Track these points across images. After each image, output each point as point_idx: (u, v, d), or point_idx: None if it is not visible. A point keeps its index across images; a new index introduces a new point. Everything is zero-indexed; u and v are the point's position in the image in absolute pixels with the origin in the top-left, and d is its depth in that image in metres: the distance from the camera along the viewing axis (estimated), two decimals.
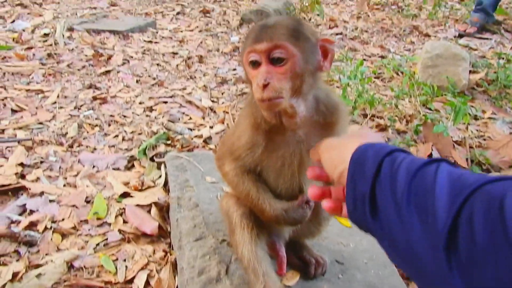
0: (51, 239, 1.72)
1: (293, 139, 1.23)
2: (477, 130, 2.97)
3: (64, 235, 1.76)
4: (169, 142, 2.46)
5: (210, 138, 2.56)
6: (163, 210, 1.92)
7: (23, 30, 3.75)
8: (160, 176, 2.14)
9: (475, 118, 3.15)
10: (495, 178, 0.68)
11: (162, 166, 2.19)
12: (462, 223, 0.66)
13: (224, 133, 2.62)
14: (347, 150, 0.92)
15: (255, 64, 1.10)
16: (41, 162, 2.19)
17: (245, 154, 1.27)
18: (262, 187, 1.32)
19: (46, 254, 1.65)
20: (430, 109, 3.14)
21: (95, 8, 4.66)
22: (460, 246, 0.66)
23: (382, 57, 4.31)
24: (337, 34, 4.87)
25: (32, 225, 1.77)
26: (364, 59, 4.13)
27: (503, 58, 4.10)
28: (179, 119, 2.76)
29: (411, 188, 0.76)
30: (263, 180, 1.33)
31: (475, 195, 0.67)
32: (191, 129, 2.64)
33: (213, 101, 3.02)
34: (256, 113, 1.20)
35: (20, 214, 1.83)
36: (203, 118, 2.81)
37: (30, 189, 1.96)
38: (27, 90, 2.86)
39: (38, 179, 2.06)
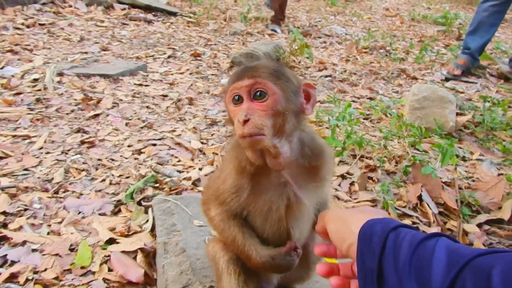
0: None
1: (279, 182, 1.21)
2: (465, 171, 2.99)
3: (46, 286, 1.69)
4: (157, 185, 2.44)
5: (199, 180, 2.54)
6: (150, 256, 1.87)
7: (12, 76, 3.77)
8: (147, 221, 2.11)
9: (463, 159, 3.17)
10: (486, 251, 0.76)
11: (150, 210, 2.16)
12: None
13: (211, 175, 2.60)
14: (354, 224, 0.97)
15: (238, 101, 1.12)
16: (25, 209, 2.14)
17: (230, 198, 1.25)
18: (249, 233, 1.29)
19: None
20: (418, 150, 3.16)
21: (86, 53, 4.71)
22: None
23: (371, 99, 4.37)
24: (326, 76, 4.96)
25: (12, 277, 1.71)
26: (353, 101, 4.19)
27: (488, 101, 4.18)
28: (168, 161, 2.74)
29: (412, 262, 0.81)
30: (250, 225, 1.31)
31: (468, 267, 0.74)
32: (180, 171, 2.62)
33: (202, 143, 3.01)
34: (240, 155, 1.20)
35: (1, 266, 1.77)
36: (192, 160, 2.80)
37: (12, 238, 1.91)
38: (14, 136, 2.83)
39: (21, 227, 2.01)
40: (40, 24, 5.53)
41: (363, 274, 0.90)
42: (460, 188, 2.69)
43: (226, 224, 1.30)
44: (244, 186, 1.22)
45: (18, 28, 5.24)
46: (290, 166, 1.19)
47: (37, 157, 2.62)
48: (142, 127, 3.18)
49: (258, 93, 1.11)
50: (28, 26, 5.37)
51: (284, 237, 1.29)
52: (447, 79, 5.20)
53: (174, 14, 6.81)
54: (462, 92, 4.76)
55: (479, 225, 2.42)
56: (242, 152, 1.18)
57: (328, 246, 1.12)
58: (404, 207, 2.50)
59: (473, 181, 2.87)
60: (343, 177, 2.75)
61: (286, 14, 7.66)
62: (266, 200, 1.23)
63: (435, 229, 2.31)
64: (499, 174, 2.98)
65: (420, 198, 2.54)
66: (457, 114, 3.77)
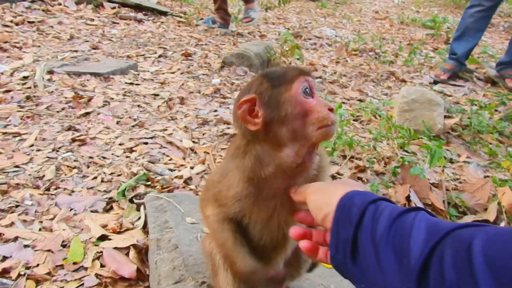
0: (25, 286, 1.65)
1: (282, 189, 1.21)
2: (453, 173, 3.04)
3: (38, 282, 1.69)
4: (149, 183, 2.44)
5: (190, 178, 2.56)
6: (142, 252, 1.88)
7: (2, 74, 3.73)
8: (139, 218, 2.11)
9: (451, 161, 3.23)
10: (466, 224, 0.77)
11: (142, 208, 2.16)
12: (434, 263, 0.73)
13: (205, 173, 2.62)
14: (334, 195, 0.98)
15: (308, 94, 1.14)
16: (16, 206, 2.13)
17: (232, 203, 1.26)
18: (240, 240, 1.31)
19: None
20: (407, 151, 3.21)
21: (76, 51, 4.68)
22: (430, 283, 0.72)
23: (361, 100, 4.42)
24: (316, 77, 4.99)
25: (4, 272, 1.70)
26: (343, 102, 4.23)
27: (475, 105, 4.26)
28: (159, 160, 2.75)
29: (390, 232, 0.82)
30: (247, 230, 1.32)
31: (447, 238, 0.75)
32: (171, 170, 2.63)
33: (194, 142, 3.03)
34: (254, 165, 1.19)
35: None
36: (184, 158, 2.81)
37: (3, 234, 1.90)
38: (4, 133, 2.81)
39: (12, 223, 2.00)
40: (29, 22, 5.47)
41: (335, 243, 0.92)
42: (447, 190, 2.74)
43: (220, 226, 1.31)
44: (251, 193, 1.23)
45: (7, 26, 5.18)
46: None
47: (28, 155, 2.61)
48: (133, 126, 3.18)
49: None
50: (17, 24, 5.32)
51: (280, 242, 1.31)
52: (435, 82, 5.28)
53: (164, 13, 6.79)
54: (450, 95, 4.84)
55: None
56: (255, 160, 1.18)
57: (307, 212, 1.13)
58: None
59: (460, 182, 2.93)
60: (333, 177, 2.79)
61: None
62: (269, 207, 1.24)
63: None
64: (485, 176, 3.04)
65: (408, 198, 2.58)
66: (445, 116, 3.84)
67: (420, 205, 2.55)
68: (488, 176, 3.02)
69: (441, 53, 6.51)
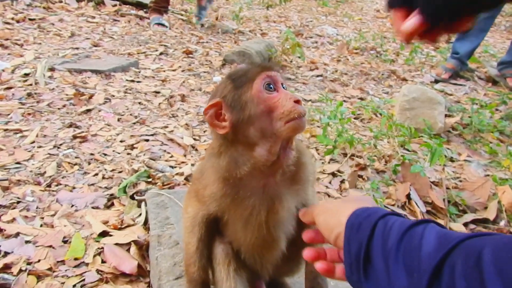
0: (26, 281, 1.66)
1: (261, 186, 1.21)
2: (453, 172, 3.04)
3: (39, 277, 1.70)
4: (150, 180, 2.45)
5: (191, 175, 2.56)
6: (143, 248, 1.89)
7: (3, 70, 3.73)
8: (140, 214, 2.12)
9: (451, 160, 3.23)
10: (475, 234, 0.76)
11: (142, 204, 2.17)
12: (445, 274, 0.73)
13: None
14: (343, 214, 0.98)
15: (271, 90, 1.13)
16: (18, 202, 2.14)
17: (209, 202, 1.27)
18: (202, 250, 1.35)
19: None
20: (407, 150, 3.21)
21: (77, 48, 4.69)
22: None
23: (361, 99, 4.42)
24: (317, 76, 5.00)
25: (6, 268, 1.71)
26: (344, 101, 4.23)
27: (476, 104, 4.26)
28: (160, 157, 2.75)
29: (400, 246, 0.82)
30: (231, 227, 1.32)
31: (457, 249, 0.74)
32: (172, 167, 2.64)
33: (195, 139, 3.03)
34: (229, 165, 1.18)
35: None
36: (185, 155, 2.81)
37: (5, 230, 1.91)
38: (5, 130, 2.82)
39: (14, 219, 2.01)
40: (30, 19, 5.47)
41: (349, 262, 0.91)
42: (447, 188, 2.74)
43: (191, 227, 1.34)
44: (226, 194, 1.22)
45: (8, 23, 5.19)
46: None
47: (29, 151, 2.61)
48: (134, 123, 3.18)
49: (284, 86, 1.16)
50: (18, 21, 5.32)
51: (268, 241, 1.30)
52: (436, 81, 5.28)
53: (165, 12, 6.79)
54: (451, 94, 4.84)
55: (465, 224, 2.47)
56: (230, 160, 1.18)
57: (316, 232, 1.13)
58: (393, 205, 2.54)
59: (460, 181, 2.93)
60: (333, 175, 2.79)
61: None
62: (248, 205, 1.23)
63: None
64: (485, 175, 3.04)
65: (408, 196, 2.58)
66: (446, 115, 3.84)
67: (420, 203, 2.55)
68: (488, 175, 3.02)
69: (442, 52, 6.50)
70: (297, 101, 1.10)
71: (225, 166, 1.19)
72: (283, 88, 1.16)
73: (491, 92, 5.07)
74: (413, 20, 1.00)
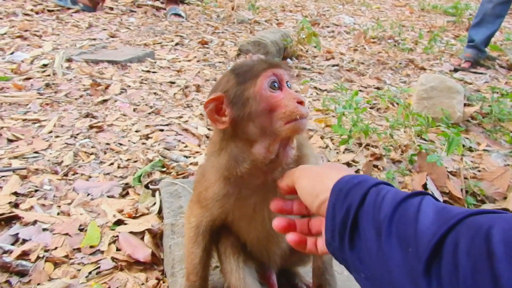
0: (43, 268, 1.70)
1: (262, 182, 1.19)
2: (471, 162, 2.99)
3: (56, 264, 1.73)
4: (164, 169, 2.47)
5: None
6: (157, 237, 1.90)
7: (22, 61, 3.80)
8: (154, 203, 2.14)
9: (470, 150, 3.17)
10: (480, 211, 0.71)
11: (157, 193, 2.19)
12: (447, 250, 0.68)
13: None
14: (329, 178, 0.92)
15: (276, 88, 1.10)
16: (36, 191, 2.18)
17: (212, 204, 1.25)
18: (205, 261, 1.36)
19: (38, 284, 1.63)
20: (424, 139, 3.17)
21: (94, 39, 4.73)
22: (443, 274, 0.67)
23: (378, 88, 4.37)
24: (333, 65, 4.96)
25: (24, 255, 1.74)
26: (360, 90, 4.19)
27: (497, 92, 4.16)
28: (175, 146, 2.77)
29: (394, 217, 0.77)
30: (234, 226, 1.32)
31: (461, 224, 0.69)
32: (186, 157, 2.65)
33: (209, 129, 3.04)
34: (229, 163, 1.16)
35: (13, 244, 1.81)
36: (199, 145, 2.82)
37: (23, 218, 1.94)
38: (24, 120, 2.87)
39: (31, 208, 2.04)
40: (48, 11, 5.55)
41: (331, 229, 0.86)
42: (465, 178, 2.70)
43: (195, 237, 1.34)
44: (229, 194, 1.21)
45: (27, 14, 5.27)
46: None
47: (47, 141, 2.66)
48: (149, 113, 3.20)
49: (289, 85, 1.13)
50: (37, 12, 5.40)
51: (271, 236, 1.29)
52: (455, 70, 5.18)
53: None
54: (470, 83, 4.75)
55: None
56: (229, 158, 1.16)
57: (285, 201, 1.09)
58: None
59: (479, 171, 2.88)
60: (348, 165, 2.77)
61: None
62: (250, 203, 1.22)
63: None
64: (505, 165, 2.98)
65: (425, 186, 2.55)
66: (465, 104, 3.76)
67: (437, 193, 2.52)
68: (508, 165, 2.96)
69: (462, 40, 6.38)
70: (300, 102, 1.07)
71: (225, 164, 1.16)
72: (288, 86, 1.13)
73: None
74: None
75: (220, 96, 1.11)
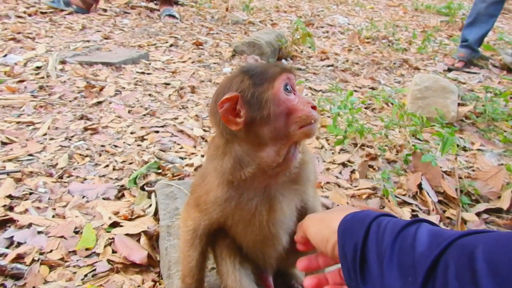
0: (39, 271, 1.69)
1: (262, 187, 1.19)
2: (466, 161, 3.00)
3: (52, 267, 1.73)
4: (160, 171, 2.46)
5: (201, 166, 2.57)
6: (153, 239, 1.90)
7: (15, 64, 3.78)
8: (150, 205, 2.13)
9: (464, 149, 3.19)
10: (469, 232, 0.75)
11: (152, 195, 2.18)
12: (439, 273, 0.71)
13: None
14: (334, 220, 0.96)
15: (289, 92, 1.10)
16: (30, 193, 2.17)
17: (212, 208, 1.24)
18: (201, 264, 1.36)
19: (33, 287, 1.62)
20: (419, 139, 3.18)
21: (88, 41, 4.72)
22: None
23: (373, 88, 4.38)
24: (328, 66, 4.96)
25: (19, 258, 1.74)
26: (355, 91, 4.20)
27: (490, 92, 4.19)
28: (170, 148, 2.76)
29: (394, 247, 0.80)
30: (231, 230, 1.32)
31: (451, 247, 0.73)
32: (182, 158, 2.64)
33: (205, 130, 3.03)
34: (234, 166, 1.16)
35: (7, 247, 1.80)
36: (195, 147, 2.82)
37: (18, 221, 1.93)
38: (18, 123, 2.85)
39: (26, 210, 2.03)
40: (41, 13, 5.53)
41: (347, 269, 0.89)
42: (460, 178, 2.71)
43: (192, 240, 1.33)
44: (231, 198, 1.20)
45: (20, 17, 5.25)
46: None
47: (41, 143, 2.64)
48: (144, 115, 3.19)
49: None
50: (29, 15, 5.37)
51: (268, 238, 1.29)
52: (449, 70, 5.21)
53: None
54: (464, 83, 4.77)
55: (478, 214, 2.44)
56: (234, 161, 1.15)
57: (310, 258, 1.11)
58: (404, 195, 2.52)
59: (473, 170, 2.89)
60: (344, 165, 2.78)
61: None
62: (251, 207, 1.21)
63: (434, 217, 2.34)
64: (499, 164, 3.00)
65: (420, 186, 2.56)
66: (459, 104, 3.78)
67: (432, 193, 2.53)
68: (502, 164, 2.98)
69: (455, 40, 6.42)
70: (314, 107, 1.09)
71: (230, 168, 1.15)
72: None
73: (506, 80, 4.98)
74: None
75: (236, 96, 1.08)
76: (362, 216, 0.91)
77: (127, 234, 1.90)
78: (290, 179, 1.22)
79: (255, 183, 1.17)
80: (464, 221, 2.36)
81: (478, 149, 3.22)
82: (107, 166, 2.49)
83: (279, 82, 1.08)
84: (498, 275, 0.63)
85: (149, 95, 3.54)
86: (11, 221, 1.94)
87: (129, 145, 2.75)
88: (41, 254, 1.77)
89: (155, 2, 6.51)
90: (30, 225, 1.92)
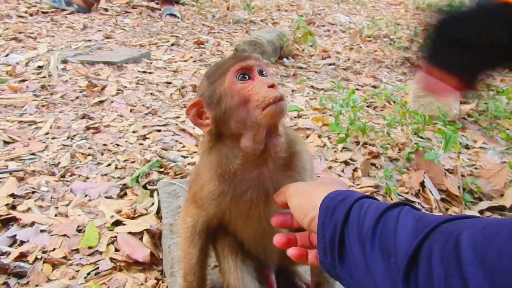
0: (42, 269, 1.69)
1: (256, 177, 1.19)
2: (468, 159, 3.00)
3: (54, 265, 1.73)
4: (162, 169, 2.46)
5: None
6: (155, 237, 1.90)
7: (17, 63, 3.79)
8: (152, 204, 2.13)
9: (466, 147, 3.18)
10: (453, 217, 0.74)
11: (155, 193, 2.18)
12: (422, 258, 0.70)
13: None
14: (317, 196, 0.95)
15: (245, 79, 1.11)
16: (33, 192, 2.17)
17: (208, 203, 1.25)
18: (202, 261, 1.36)
19: (36, 285, 1.62)
20: (421, 137, 3.17)
21: (89, 40, 4.72)
22: (419, 281, 0.69)
23: (374, 87, 4.37)
24: (329, 64, 4.96)
25: (22, 256, 1.74)
26: (357, 89, 4.19)
27: (492, 90, 4.17)
28: (172, 147, 2.76)
29: (376, 230, 0.80)
30: (231, 224, 1.32)
31: (435, 232, 0.72)
32: (184, 157, 2.64)
33: None
34: (220, 160, 1.18)
35: (10, 246, 1.81)
36: (197, 145, 2.82)
37: (21, 219, 1.94)
38: (20, 122, 2.86)
39: (29, 209, 2.04)
40: (43, 12, 5.54)
41: (323, 247, 0.89)
42: (462, 175, 2.70)
43: (191, 237, 1.33)
44: (224, 192, 1.20)
45: (21, 16, 5.25)
46: (274, 159, 1.19)
47: (44, 142, 2.65)
48: (146, 114, 3.20)
49: (263, 72, 1.14)
50: (31, 14, 5.38)
51: (268, 232, 1.28)
52: None
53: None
54: None
55: (481, 212, 2.43)
56: (220, 156, 1.18)
57: (285, 216, 1.11)
58: (407, 193, 2.52)
59: (476, 168, 2.88)
60: (346, 163, 2.77)
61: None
62: (247, 200, 1.21)
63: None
64: (502, 162, 2.99)
65: (422, 184, 2.55)
66: (461, 102, 3.77)
67: (435, 191, 2.52)
68: (505, 162, 2.97)
69: None
70: (272, 86, 1.07)
71: (217, 162, 1.18)
72: (264, 75, 1.13)
73: (508, 77, 4.96)
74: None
75: (198, 101, 1.15)
76: (345, 196, 0.91)
77: (129, 233, 1.90)
78: (282, 165, 1.21)
79: (246, 174, 1.18)
80: None
81: (481, 147, 3.21)
82: (109, 165, 2.49)
83: (230, 74, 1.11)
84: (484, 262, 0.61)
85: (151, 94, 3.54)
86: (14, 219, 1.94)
87: (131, 144, 2.75)
88: (44, 252, 1.77)
89: (156, 1, 6.51)
90: (33, 223, 1.92)
